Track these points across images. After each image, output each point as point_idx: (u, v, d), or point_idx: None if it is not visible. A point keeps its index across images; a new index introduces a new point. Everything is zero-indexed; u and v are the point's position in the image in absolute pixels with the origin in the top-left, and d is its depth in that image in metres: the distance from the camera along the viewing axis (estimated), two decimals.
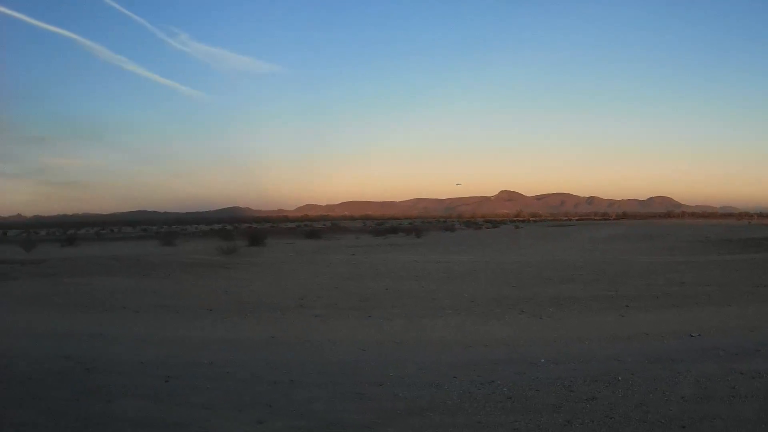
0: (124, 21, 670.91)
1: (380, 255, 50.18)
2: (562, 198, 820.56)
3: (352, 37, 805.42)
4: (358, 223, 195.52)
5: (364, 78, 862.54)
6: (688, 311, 19.65)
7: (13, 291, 27.43)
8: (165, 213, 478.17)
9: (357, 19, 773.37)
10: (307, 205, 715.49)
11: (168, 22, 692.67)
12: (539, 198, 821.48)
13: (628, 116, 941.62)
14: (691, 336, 15.51)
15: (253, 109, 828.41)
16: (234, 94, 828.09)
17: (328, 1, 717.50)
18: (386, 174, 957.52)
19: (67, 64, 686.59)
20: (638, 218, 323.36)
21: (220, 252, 47.84)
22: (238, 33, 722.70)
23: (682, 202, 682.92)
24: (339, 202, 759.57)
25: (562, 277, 30.18)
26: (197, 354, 14.24)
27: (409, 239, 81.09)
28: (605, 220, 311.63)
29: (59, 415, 9.35)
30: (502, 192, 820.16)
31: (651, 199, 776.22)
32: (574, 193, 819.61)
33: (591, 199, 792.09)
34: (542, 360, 12.89)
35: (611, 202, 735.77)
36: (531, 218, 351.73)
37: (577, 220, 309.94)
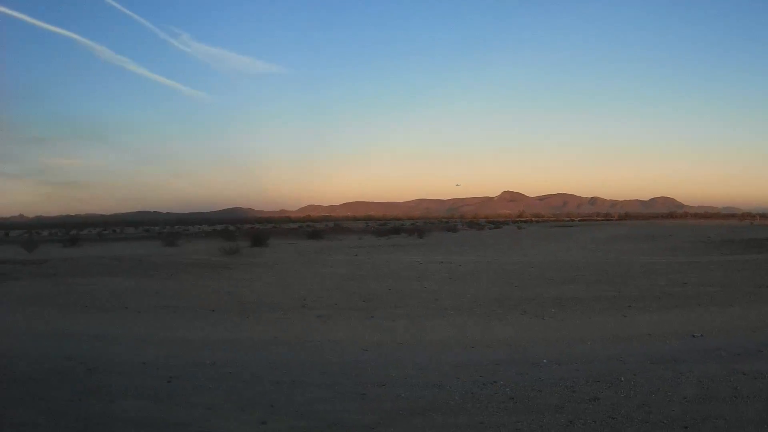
0: (125, 21, 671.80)
1: (383, 255, 50.16)
2: (565, 198, 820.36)
3: (354, 37, 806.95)
4: (360, 224, 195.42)
5: (365, 78, 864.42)
6: (690, 312, 19.64)
7: (15, 291, 27.43)
8: (167, 213, 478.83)
9: (358, 19, 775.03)
10: (310, 206, 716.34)
11: (169, 22, 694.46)
12: (542, 198, 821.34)
13: (630, 117, 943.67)
14: (694, 336, 15.50)
15: (255, 109, 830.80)
16: (235, 95, 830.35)
17: (329, 2, 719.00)
18: (388, 174, 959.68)
19: (68, 65, 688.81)
20: (640, 219, 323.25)
21: (222, 252, 47.87)
22: (239, 33, 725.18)
23: (685, 203, 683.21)
24: (341, 203, 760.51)
25: (565, 277, 30.16)
26: (199, 354, 14.24)
27: (411, 240, 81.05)
28: (608, 220, 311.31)
29: (60, 416, 9.34)
30: (504, 192, 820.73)
31: (653, 199, 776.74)
32: (576, 194, 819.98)
33: (593, 200, 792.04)
34: (545, 360, 12.88)
35: (614, 203, 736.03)
36: (533, 219, 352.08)
37: (579, 220, 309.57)
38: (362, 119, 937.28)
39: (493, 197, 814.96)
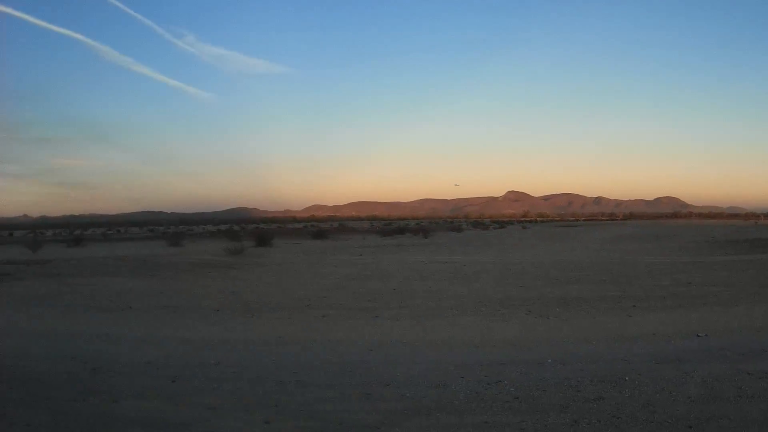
0: (130, 22, 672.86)
1: (387, 255, 50.19)
2: (569, 198, 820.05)
3: (358, 37, 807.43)
4: (365, 224, 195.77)
5: (370, 78, 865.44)
6: (695, 311, 19.61)
7: (19, 291, 27.48)
8: (171, 213, 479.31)
9: (363, 19, 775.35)
10: (314, 206, 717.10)
11: (174, 23, 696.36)
12: (546, 198, 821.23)
13: (635, 117, 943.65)
14: (698, 336, 15.48)
15: (260, 109, 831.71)
16: (240, 95, 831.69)
17: (334, 2, 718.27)
18: (393, 174, 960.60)
19: (73, 65, 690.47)
20: (645, 218, 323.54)
21: (226, 252, 47.95)
22: (244, 34, 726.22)
23: (689, 203, 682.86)
24: (346, 203, 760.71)
25: (569, 277, 30.14)
26: (203, 354, 14.25)
27: (416, 240, 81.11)
28: (612, 220, 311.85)
29: (65, 416, 9.36)
30: (509, 192, 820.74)
31: (658, 199, 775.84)
32: (581, 194, 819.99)
33: (598, 200, 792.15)
34: (549, 360, 12.88)
35: (618, 203, 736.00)
36: (538, 219, 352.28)
37: (584, 220, 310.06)
38: (367, 119, 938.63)
39: (497, 197, 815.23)
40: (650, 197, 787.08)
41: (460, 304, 21.91)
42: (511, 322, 18.51)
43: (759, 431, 8.41)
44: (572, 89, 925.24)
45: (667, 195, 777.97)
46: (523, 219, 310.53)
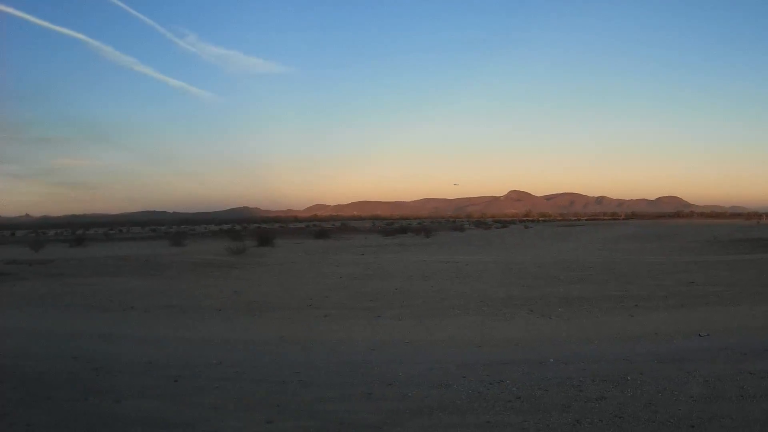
0: (132, 22, 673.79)
1: (389, 255, 50.20)
2: (572, 198, 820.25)
3: (361, 37, 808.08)
4: (367, 223, 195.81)
5: (372, 78, 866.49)
6: (697, 311, 19.61)
7: (21, 291, 27.49)
8: (174, 213, 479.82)
9: (365, 19, 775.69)
10: (316, 205, 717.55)
11: (176, 22, 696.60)
12: (548, 198, 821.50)
13: (637, 116, 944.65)
14: (700, 336, 15.48)
15: (262, 109, 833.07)
16: (242, 95, 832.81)
17: (336, 2, 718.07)
18: (395, 174, 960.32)
19: (75, 65, 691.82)
20: (647, 218, 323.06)
21: (229, 252, 47.96)
22: (246, 34, 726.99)
23: (691, 202, 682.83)
24: (348, 202, 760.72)
25: (572, 277, 30.13)
26: (205, 354, 14.26)
27: (418, 239, 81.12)
28: (614, 219, 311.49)
29: (67, 415, 9.36)
30: (511, 192, 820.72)
31: (660, 199, 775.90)
32: (583, 193, 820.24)
33: (600, 199, 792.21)
34: (551, 360, 12.88)
35: (620, 202, 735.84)
36: (540, 218, 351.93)
37: (586, 220, 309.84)
38: (369, 119, 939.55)
39: (499, 197, 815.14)
40: (652, 197, 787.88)
41: (462, 303, 21.90)
42: (514, 322, 18.51)
43: (761, 431, 8.41)
44: (574, 89, 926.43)
45: (669, 194, 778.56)
46: (525, 219, 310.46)
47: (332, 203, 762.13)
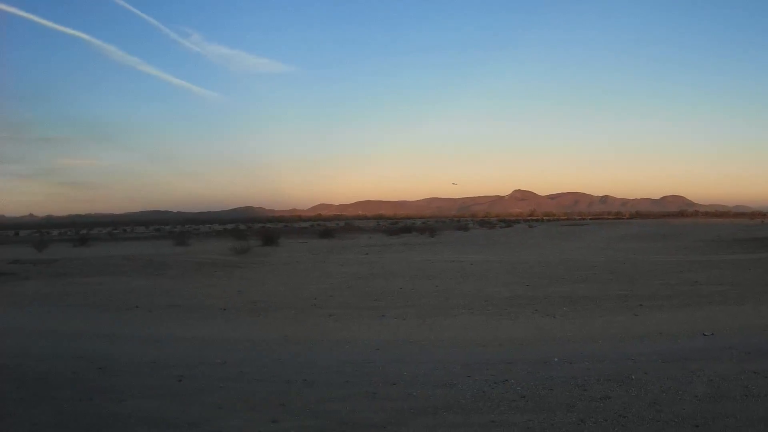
0: (135, 21, 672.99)
1: (394, 254, 50.21)
2: (576, 197, 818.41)
3: (365, 36, 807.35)
4: (371, 223, 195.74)
5: (376, 77, 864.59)
6: (701, 310, 19.61)
7: (25, 291, 27.56)
8: (178, 213, 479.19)
9: (370, 18, 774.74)
10: (321, 205, 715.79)
11: (180, 22, 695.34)
12: (553, 197, 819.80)
13: (641, 115, 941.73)
14: (705, 335, 15.48)
15: (266, 108, 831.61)
16: (246, 94, 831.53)
17: (341, 1, 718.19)
18: (399, 173, 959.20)
19: (79, 65, 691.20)
20: (651, 217, 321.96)
21: (233, 252, 48.02)
22: (250, 33, 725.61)
23: (695, 201, 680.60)
24: (352, 202, 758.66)
25: (576, 276, 30.13)
26: (210, 353, 14.28)
27: (422, 239, 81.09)
28: (618, 219, 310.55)
29: (71, 415, 9.37)
30: (515, 191, 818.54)
31: (664, 198, 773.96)
32: (587, 192, 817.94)
33: (604, 198, 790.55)
34: (556, 359, 12.87)
35: (624, 201, 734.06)
36: (544, 217, 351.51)
37: (590, 219, 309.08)
38: (372, 118, 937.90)
39: (504, 196, 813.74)
40: (656, 196, 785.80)
41: (466, 303, 21.91)
42: (518, 321, 18.53)
43: (765, 430, 8.38)
44: (578, 88, 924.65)
45: (674, 194, 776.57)
46: (529, 218, 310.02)
47: (336, 203, 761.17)
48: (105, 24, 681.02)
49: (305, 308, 21.65)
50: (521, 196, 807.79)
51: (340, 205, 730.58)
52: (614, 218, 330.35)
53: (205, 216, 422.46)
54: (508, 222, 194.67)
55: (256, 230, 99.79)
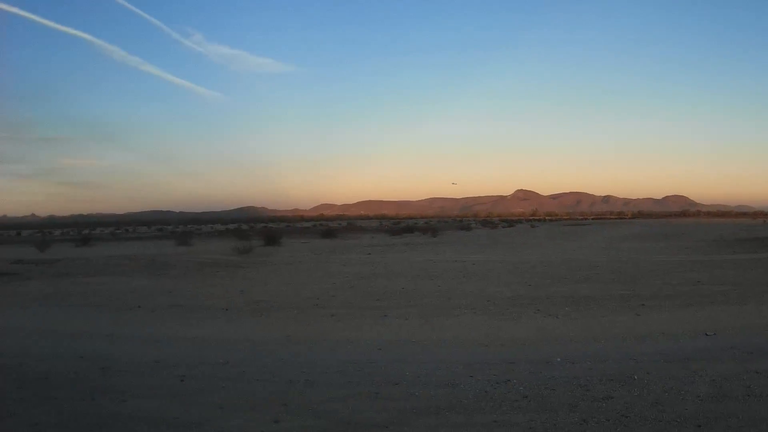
0: (137, 21, 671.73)
1: (396, 254, 50.19)
2: (578, 197, 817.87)
3: (367, 36, 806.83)
4: (373, 223, 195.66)
5: (379, 77, 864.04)
6: (703, 310, 19.59)
7: (28, 291, 27.60)
8: (180, 213, 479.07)
9: (372, 17, 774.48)
10: (323, 205, 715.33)
11: (182, 22, 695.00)
12: (555, 197, 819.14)
13: (643, 115, 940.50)
14: (707, 335, 15.48)
15: (268, 108, 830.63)
16: (248, 94, 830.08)
17: (344, 1, 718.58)
18: (402, 173, 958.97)
19: (81, 65, 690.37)
20: (654, 217, 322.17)
21: (235, 252, 48.00)
22: (252, 33, 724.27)
23: (698, 201, 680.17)
24: (355, 202, 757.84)
25: (578, 276, 30.12)
26: (212, 353, 14.28)
27: (424, 238, 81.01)
28: (621, 219, 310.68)
29: (73, 415, 9.38)
30: (517, 191, 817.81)
31: (666, 198, 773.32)
32: (589, 192, 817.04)
33: (607, 198, 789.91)
34: (558, 359, 12.87)
35: (627, 201, 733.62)
36: (547, 217, 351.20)
37: (592, 219, 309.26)
38: (375, 118, 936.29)
39: (506, 196, 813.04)
40: (659, 196, 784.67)
41: (468, 303, 21.90)
42: (520, 321, 18.52)
43: (767, 430, 8.40)
44: (579, 88, 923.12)
45: (676, 194, 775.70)
46: (531, 218, 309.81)
47: (339, 203, 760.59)
48: (107, 24, 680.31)
49: (307, 308, 21.65)
50: (523, 196, 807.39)
51: (343, 205, 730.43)
52: (616, 218, 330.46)
53: (207, 216, 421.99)
54: (510, 222, 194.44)
55: (258, 230, 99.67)
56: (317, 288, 27.04)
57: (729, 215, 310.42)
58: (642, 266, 35.14)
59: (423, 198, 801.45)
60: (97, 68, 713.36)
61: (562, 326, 17.55)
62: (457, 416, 9.09)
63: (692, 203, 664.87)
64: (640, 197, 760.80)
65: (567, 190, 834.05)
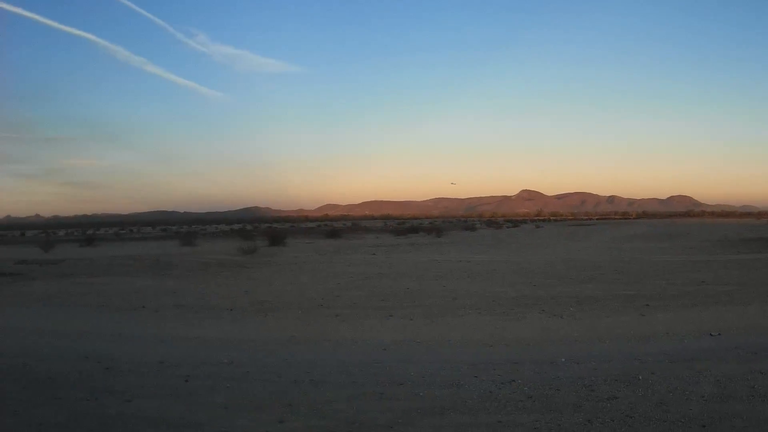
0: (142, 22, 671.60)
1: (401, 255, 50.18)
2: (583, 197, 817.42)
3: (371, 35, 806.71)
4: (378, 223, 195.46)
5: (383, 77, 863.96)
6: (707, 311, 19.58)
7: (32, 291, 27.63)
8: (184, 213, 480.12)
9: (376, 17, 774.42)
10: (328, 205, 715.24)
11: (186, 22, 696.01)
12: (559, 197, 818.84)
13: (648, 115, 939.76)
14: (711, 335, 15.46)
15: (272, 108, 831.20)
16: (253, 94, 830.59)
17: (346, 1, 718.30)
18: (406, 174, 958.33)
19: (85, 65, 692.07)
20: (658, 217, 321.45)
21: (240, 252, 48.00)
22: (256, 33, 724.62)
23: (702, 201, 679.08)
24: (359, 202, 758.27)
25: (583, 276, 30.10)
26: (217, 353, 14.28)
27: (429, 239, 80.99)
28: (625, 219, 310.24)
29: (78, 415, 9.38)
30: (522, 191, 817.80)
31: (671, 198, 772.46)
32: (594, 192, 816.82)
33: (611, 198, 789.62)
34: (563, 359, 12.86)
35: (631, 201, 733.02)
36: (551, 217, 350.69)
37: (597, 219, 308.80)
38: (379, 119, 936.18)
39: (511, 196, 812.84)
40: (663, 196, 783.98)
41: (473, 303, 21.90)
42: (525, 322, 18.52)
43: None
44: (583, 87, 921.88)
45: (680, 194, 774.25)
46: (536, 218, 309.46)
47: (343, 203, 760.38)
48: (110, 24, 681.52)
49: (312, 308, 21.66)
50: (528, 196, 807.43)
51: (347, 206, 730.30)
52: (621, 218, 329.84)
53: (211, 216, 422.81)
54: (515, 222, 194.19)
55: (262, 230, 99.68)
56: (322, 288, 27.05)
57: (733, 215, 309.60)
58: (646, 266, 35.13)
59: (428, 198, 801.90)
60: (100, 68, 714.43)
61: (567, 326, 17.55)
62: (462, 416, 9.09)
63: (697, 203, 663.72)
64: (645, 197, 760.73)
65: (572, 191, 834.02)
